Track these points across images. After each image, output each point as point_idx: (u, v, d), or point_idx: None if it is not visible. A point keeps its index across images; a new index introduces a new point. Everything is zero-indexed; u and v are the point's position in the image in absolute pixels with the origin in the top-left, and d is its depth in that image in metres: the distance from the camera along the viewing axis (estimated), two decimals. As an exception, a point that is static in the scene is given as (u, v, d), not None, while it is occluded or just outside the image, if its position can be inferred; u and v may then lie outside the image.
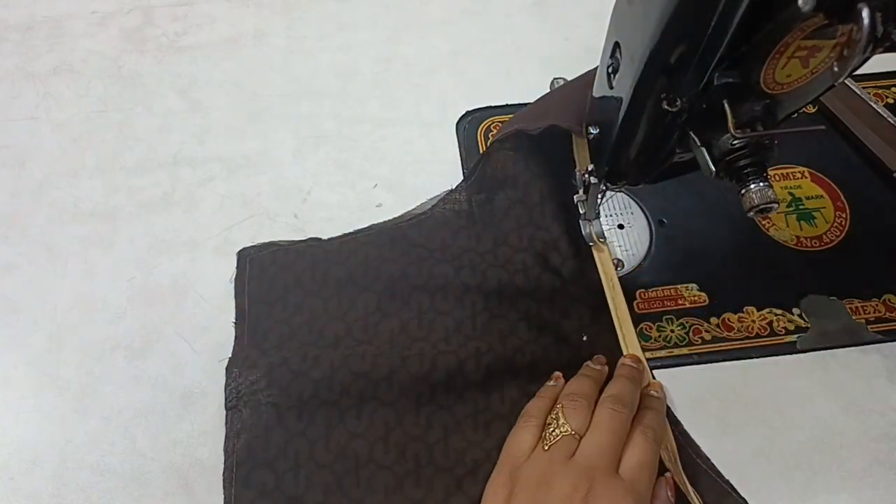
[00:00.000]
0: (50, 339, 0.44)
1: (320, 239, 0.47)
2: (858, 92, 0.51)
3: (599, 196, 0.44)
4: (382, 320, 0.43)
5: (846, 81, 0.48)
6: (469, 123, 0.53)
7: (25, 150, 0.52)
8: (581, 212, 0.46)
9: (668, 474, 0.37)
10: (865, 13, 0.21)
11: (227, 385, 0.41)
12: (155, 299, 0.45)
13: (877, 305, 0.44)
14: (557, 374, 0.41)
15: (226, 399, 0.40)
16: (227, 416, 0.40)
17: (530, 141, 0.45)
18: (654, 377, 0.41)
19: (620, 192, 0.49)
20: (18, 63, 0.57)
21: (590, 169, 0.42)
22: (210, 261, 0.47)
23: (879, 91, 0.53)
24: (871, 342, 0.42)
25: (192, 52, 0.57)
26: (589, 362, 0.42)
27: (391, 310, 0.44)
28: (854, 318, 0.43)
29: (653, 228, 0.47)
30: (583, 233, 0.46)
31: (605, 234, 0.46)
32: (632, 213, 0.48)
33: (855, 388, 0.41)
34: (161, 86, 0.55)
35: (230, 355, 0.42)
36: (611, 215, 0.48)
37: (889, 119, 0.49)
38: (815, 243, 0.46)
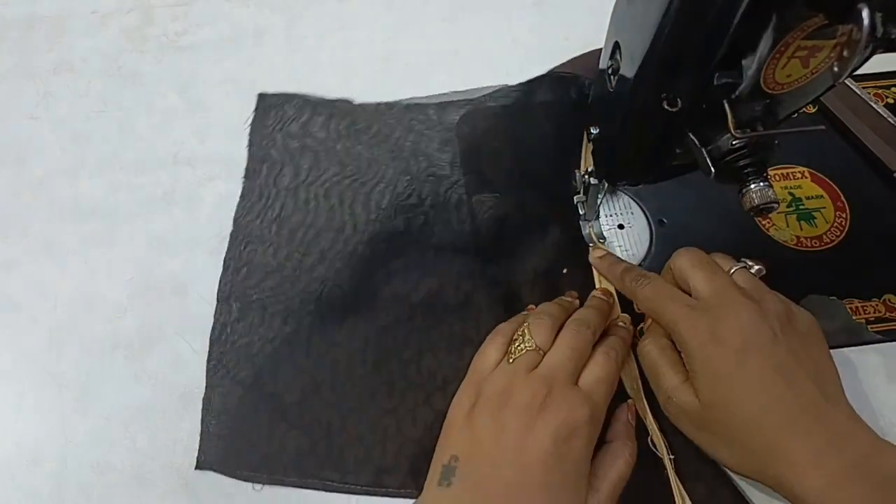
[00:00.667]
0: (50, 337, 0.44)
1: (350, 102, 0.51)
2: (858, 92, 0.51)
3: (599, 196, 0.44)
4: (379, 228, 0.46)
5: (846, 81, 0.48)
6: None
7: (25, 150, 0.52)
8: (581, 212, 0.46)
9: (630, 401, 0.39)
10: (865, 13, 0.21)
11: (221, 279, 0.45)
12: (155, 299, 0.45)
13: (877, 305, 0.44)
14: (531, 305, 0.42)
15: (218, 290, 0.45)
16: (216, 307, 0.44)
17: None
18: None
19: (620, 192, 0.49)
20: (18, 62, 0.57)
21: (590, 169, 0.42)
22: (210, 261, 0.47)
23: (879, 91, 0.53)
24: (871, 342, 0.42)
25: (192, 51, 0.57)
26: (561, 296, 0.43)
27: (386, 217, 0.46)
28: (854, 318, 0.43)
29: (653, 228, 0.47)
30: (583, 233, 0.46)
31: (605, 234, 0.46)
32: (632, 213, 0.48)
33: (855, 388, 0.41)
34: (161, 85, 0.55)
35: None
36: (611, 215, 0.48)
37: (889, 119, 0.49)
38: (815, 243, 0.46)
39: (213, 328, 0.43)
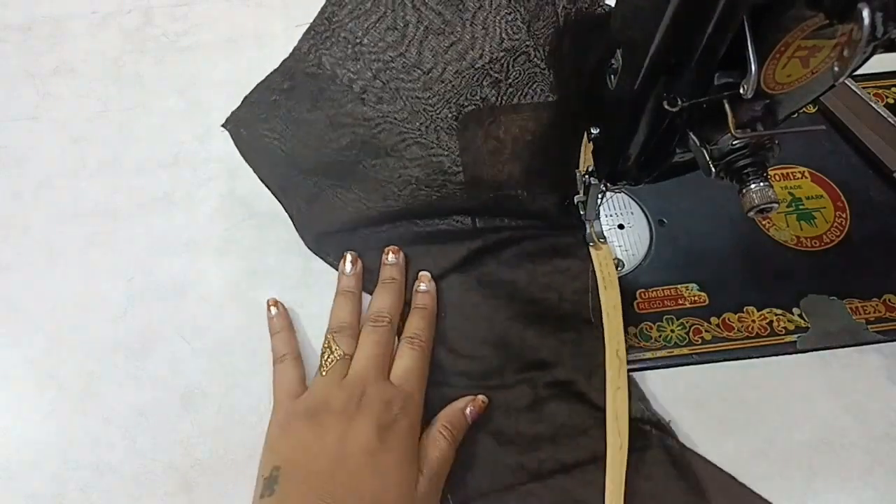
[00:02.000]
0: (50, 339, 0.44)
1: None
2: (858, 92, 0.51)
3: (599, 196, 0.44)
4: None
5: (846, 81, 0.48)
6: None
7: (25, 150, 0.52)
8: (581, 212, 0.46)
9: (480, 397, 0.39)
10: (865, 13, 0.21)
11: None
12: (155, 299, 0.45)
13: (877, 305, 0.44)
14: (273, 300, 0.44)
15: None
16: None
17: None
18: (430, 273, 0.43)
19: (620, 192, 0.49)
20: (18, 63, 0.57)
21: (590, 169, 0.42)
22: (210, 261, 0.47)
23: (879, 91, 0.53)
24: (871, 342, 0.42)
25: (192, 52, 0.57)
26: (342, 266, 0.44)
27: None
28: (854, 318, 0.43)
29: (653, 228, 0.47)
30: (584, 232, 0.46)
31: (605, 234, 0.46)
32: (632, 213, 0.48)
33: (855, 388, 0.41)
34: (161, 86, 0.55)
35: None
36: (611, 215, 0.48)
37: (889, 119, 0.49)
38: (815, 243, 0.46)
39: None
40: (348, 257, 0.44)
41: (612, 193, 0.48)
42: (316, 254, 0.47)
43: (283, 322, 0.43)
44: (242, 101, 0.44)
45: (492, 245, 0.45)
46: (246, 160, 0.45)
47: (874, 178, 0.49)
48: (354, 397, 0.36)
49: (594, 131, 0.38)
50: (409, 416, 0.36)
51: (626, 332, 0.43)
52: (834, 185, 0.49)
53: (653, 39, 0.28)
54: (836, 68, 0.24)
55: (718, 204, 0.48)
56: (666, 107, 0.29)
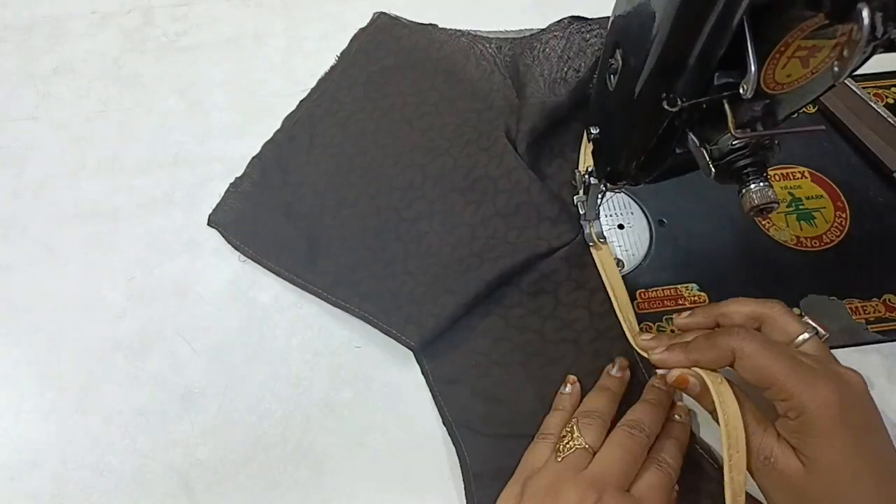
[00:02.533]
0: (50, 339, 0.44)
1: None
2: (858, 92, 0.51)
3: (599, 196, 0.44)
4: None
5: (846, 81, 0.48)
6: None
7: (25, 150, 0.52)
8: (581, 212, 0.46)
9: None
10: (865, 13, 0.21)
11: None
12: (155, 299, 0.45)
13: (877, 305, 0.44)
14: (573, 378, 0.41)
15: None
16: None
17: None
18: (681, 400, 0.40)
19: (620, 192, 0.49)
20: (18, 63, 0.57)
21: (590, 169, 0.42)
22: (210, 261, 0.47)
23: (879, 91, 0.53)
24: (871, 342, 0.42)
25: (192, 52, 0.57)
26: (609, 368, 0.41)
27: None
28: (854, 318, 0.43)
29: (653, 228, 0.47)
30: (583, 233, 0.46)
31: (605, 234, 0.46)
32: (632, 213, 0.48)
33: (855, 388, 0.41)
34: (161, 86, 0.55)
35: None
36: (611, 215, 0.48)
37: (889, 119, 0.49)
38: (815, 243, 0.46)
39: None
40: (617, 361, 0.41)
41: (613, 193, 0.48)
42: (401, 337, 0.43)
43: (571, 403, 0.39)
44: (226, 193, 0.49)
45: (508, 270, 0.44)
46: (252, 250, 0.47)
47: (874, 178, 0.49)
48: (589, 501, 0.32)
49: (594, 131, 0.38)
50: None
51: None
52: (834, 185, 0.49)
53: (653, 39, 0.28)
54: (835, 68, 0.24)
55: (718, 204, 0.48)
56: (666, 107, 0.29)
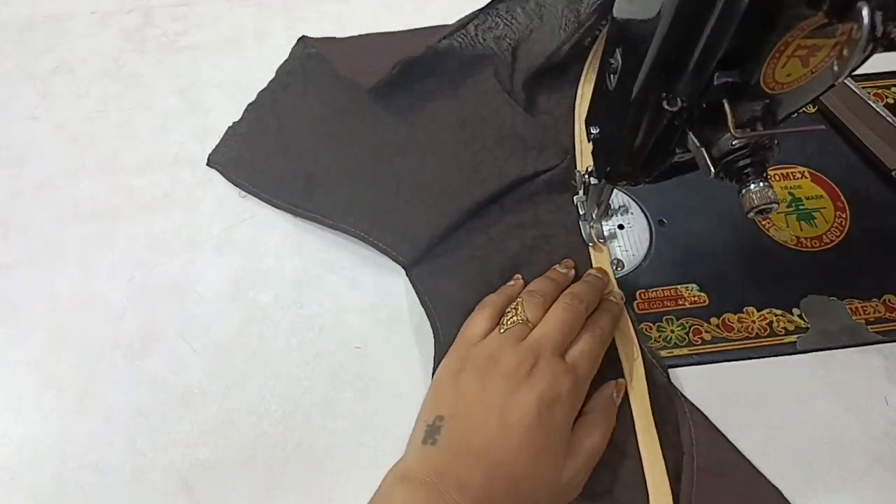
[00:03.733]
0: (50, 338, 0.44)
1: None
2: (858, 92, 0.51)
3: (606, 194, 0.44)
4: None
5: (846, 81, 0.48)
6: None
7: (25, 150, 0.52)
8: (581, 212, 0.46)
9: (621, 380, 0.40)
10: (865, 13, 0.21)
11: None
12: (155, 299, 0.45)
13: (877, 305, 0.44)
14: (518, 276, 0.44)
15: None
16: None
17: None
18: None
19: (620, 192, 0.49)
20: (18, 63, 0.57)
21: (590, 169, 0.42)
22: (210, 261, 0.47)
23: (879, 91, 0.53)
24: (871, 342, 0.42)
25: (192, 52, 0.57)
26: (557, 265, 0.44)
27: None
28: (854, 318, 0.43)
29: (653, 228, 0.47)
30: (583, 233, 0.46)
31: (606, 234, 0.46)
32: (632, 213, 0.48)
33: (855, 388, 0.41)
34: (161, 86, 0.55)
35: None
36: (611, 215, 0.48)
37: (889, 119, 0.49)
38: (815, 243, 0.46)
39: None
40: (566, 262, 0.44)
41: (618, 192, 0.48)
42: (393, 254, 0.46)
43: (512, 291, 0.42)
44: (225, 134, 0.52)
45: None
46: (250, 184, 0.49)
47: (874, 178, 0.49)
48: (525, 364, 0.35)
49: (594, 131, 0.38)
50: (572, 399, 0.35)
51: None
52: (834, 185, 0.49)
53: (652, 39, 0.28)
54: (835, 68, 0.24)
55: (718, 204, 0.48)
56: (666, 107, 0.29)
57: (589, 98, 0.45)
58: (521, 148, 0.48)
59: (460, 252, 0.46)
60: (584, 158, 0.49)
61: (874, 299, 0.44)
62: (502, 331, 0.38)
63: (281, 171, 0.49)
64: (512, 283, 0.43)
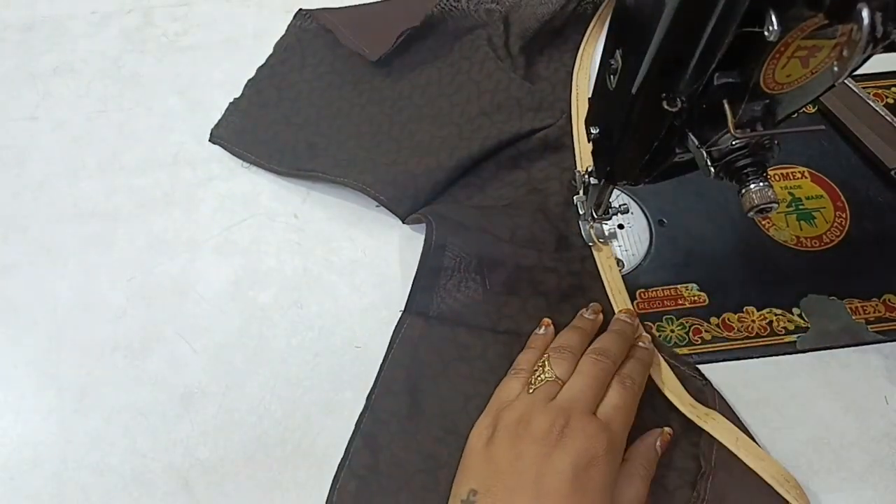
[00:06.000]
0: (50, 339, 0.44)
1: None
2: (858, 92, 0.51)
3: (605, 195, 0.44)
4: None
5: (846, 81, 0.48)
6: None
7: (25, 150, 0.52)
8: (581, 212, 0.46)
9: (667, 429, 0.39)
10: (865, 13, 0.21)
11: None
12: (155, 299, 0.45)
13: (877, 305, 0.44)
14: (547, 321, 0.42)
15: None
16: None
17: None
18: (646, 331, 0.43)
19: (620, 192, 0.49)
20: (18, 63, 0.57)
21: (590, 169, 0.42)
22: (210, 261, 0.47)
23: (879, 91, 0.53)
24: (871, 342, 0.42)
25: (192, 52, 0.57)
26: (584, 311, 0.43)
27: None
28: (854, 318, 0.43)
29: (653, 228, 0.47)
30: (583, 233, 0.46)
31: (606, 234, 0.46)
32: (632, 213, 0.48)
33: (855, 388, 0.41)
34: (161, 86, 0.55)
35: None
36: (611, 215, 0.48)
37: (889, 119, 0.49)
38: (815, 243, 0.46)
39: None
40: (592, 306, 0.43)
41: (618, 192, 0.48)
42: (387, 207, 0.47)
43: (545, 343, 0.41)
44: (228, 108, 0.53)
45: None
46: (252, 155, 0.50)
47: (874, 177, 0.49)
48: (557, 424, 0.34)
49: (594, 131, 0.38)
50: (609, 458, 0.34)
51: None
52: (834, 185, 0.49)
53: (652, 39, 0.28)
54: (835, 68, 0.24)
55: (718, 204, 0.48)
56: (666, 107, 0.29)
57: (587, 68, 0.49)
58: (517, 110, 0.50)
59: (457, 205, 0.48)
60: (584, 158, 0.49)
61: (874, 299, 0.44)
62: (531, 391, 0.37)
63: (283, 139, 0.51)
64: (542, 331, 0.42)
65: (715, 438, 0.38)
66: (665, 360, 0.41)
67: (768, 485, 0.37)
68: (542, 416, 0.35)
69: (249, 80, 0.54)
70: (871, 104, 0.50)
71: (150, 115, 0.54)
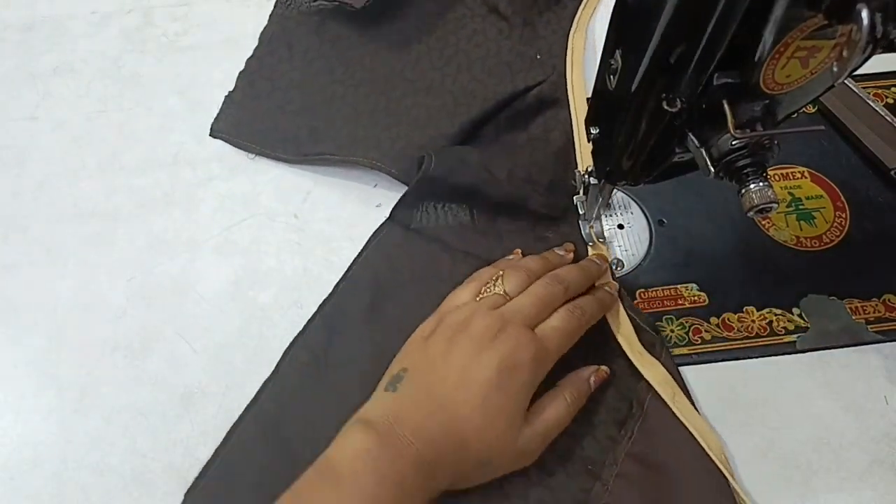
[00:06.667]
0: (50, 339, 0.44)
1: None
2: (858, 92, 0.51)
3: (606, 194, 0.44)
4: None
5: (846, 81, 0.48)
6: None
7: (25, 150, 0.52)
8: (581, 212, 0.46)
9: (603, 367, 0.40)
10: (865, 13, 0.21)
11: None
12: (155, 299, 0.45)
13: (877, 305, 0.44)
14: (518, 251, 0.44)
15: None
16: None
17: None
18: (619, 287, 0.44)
19: (620, 192, 0.49)
20: (18, 63, 0.57)
21: (589, 169, 0.42)
22: (210, 261, 0.47)
23: (879, 91, 0.53)
24: (871, 342, 0.42)
25: (192, 52, 0.57)
26: (556, 248, 0.45)
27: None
28: (854, 318, 0.43)
29: (653, 228, 0.47)
30: (583, 233, 0.46)
31: (605, 234, 0.46)
32: (632, 213, 0.48)
33: (855, 388, 0.41)
34: (161, 86, 0.55)
35: None
36: (611, 215, 0.48)
37: (889, 119, 0.49)
38: (815, 243, 0.46)
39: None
40: (566, 245, 0.45)
41: (617, 192, 0.48)
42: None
43: (506, 265, 0.42)
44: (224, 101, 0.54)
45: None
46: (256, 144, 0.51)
47: (874, 177, 0.49)
48: (492, 328, 0.36)
49: (594, 131, 0.38)
50: (533, 368, 0.36)
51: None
52: (834, 185, 0.49)
53: (652, 39, 0.28)
54: (835, 69, 0.24)
55: (718, 204, 0.48)
56: (666, 107, 0.29)
57: (583, 28, 0.52)
58: (508, 73, 0.52)
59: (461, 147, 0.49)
60: (584, 158, 0.49)
61: (874, 299, 0.44)
62: (478, 300, 0.39)
63: (283, 128, 0.51)
64: (511, 257, 0.44)
65: (653, 388, 0.40)
66: (626, 310, 0.42)
67: (696, 442, 0.38)
68: (481, 319, 0.37)
69: (241, 73, 0.55)
70: (871, 104, 0.50)
71: (150, 115, 0.54)
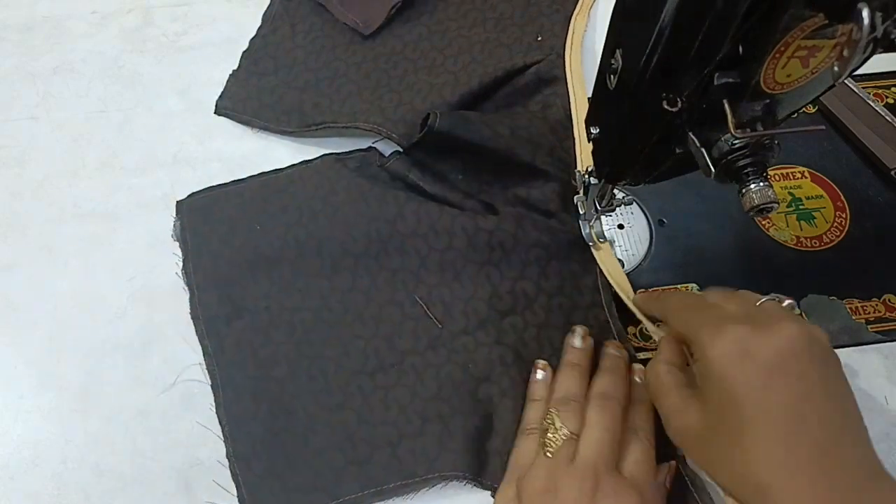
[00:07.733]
0: (50, 338, 0.44)
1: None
2: (858, 92, 0.51)
3: (607, 193, 0.44)
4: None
5: (846, 81, 0.48)
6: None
7: (25, 150, 0.52)
8: (581, 212, 0.46)
9: (672, 462, 0.38)
10: (865, 13, 0.21)
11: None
12: (155, 299, 0.45)
13: (877, 305, 0.44)
14: (542, 363, 0.41)
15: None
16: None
17: None
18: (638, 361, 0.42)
19: (620, 191, 0.49)
20: (18, 63, 0.56)
21: (589, 169, 0.42)
22: (210, 261, 0.47)
23: (879, 91, 0.53)
24: (871, 342, 0.42)
25: (192, 52, 0.57)
26: (571, 338, 0.41)
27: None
28: (854, 318, 0.43)
29: (653, 228, 0.47)
30: (583, 233, 0.46)
31: (606, 234, 0.46)
32: (632, 213, 0.48)
33: (855, 388, 0.41)
34: (161, 86, 0.55)
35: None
36: (611, 215, 0.48)
37: (889, 119, 0.49)
38: (815, 243, 0.46)
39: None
40: (578, 331, 0.42)
41: (619, 192, 0.48)
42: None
43: (546, 389, 0.40)
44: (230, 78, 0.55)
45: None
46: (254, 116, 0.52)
47: (874, 177, 0.49)
48: (586, 490, 0.33)
49: (594, 131, 0.38)
50: None
51: (626, 331, 0.43)
52: (834, 185, 0.49)
53: (652, 39, 0.28)
54: (835, 68, 0.24)
55: (718, 204, 0.48)
56: (666, 107, 0.29)
57: (586, 12, 0.54)
58: (507, 53, 0.54)
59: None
60: (584, 158, 0.49)
61: (874, 299, 0.44)
62: (549, 454, 0.36)
63: (287, 102, 0.53)
64: (539, 376, 0.41)
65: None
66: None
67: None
68: (569, 481, 0.34)
69: (244, 52, 0.56)
70: (871, 104, 0.50)
71: (150, 115, 0.54)
